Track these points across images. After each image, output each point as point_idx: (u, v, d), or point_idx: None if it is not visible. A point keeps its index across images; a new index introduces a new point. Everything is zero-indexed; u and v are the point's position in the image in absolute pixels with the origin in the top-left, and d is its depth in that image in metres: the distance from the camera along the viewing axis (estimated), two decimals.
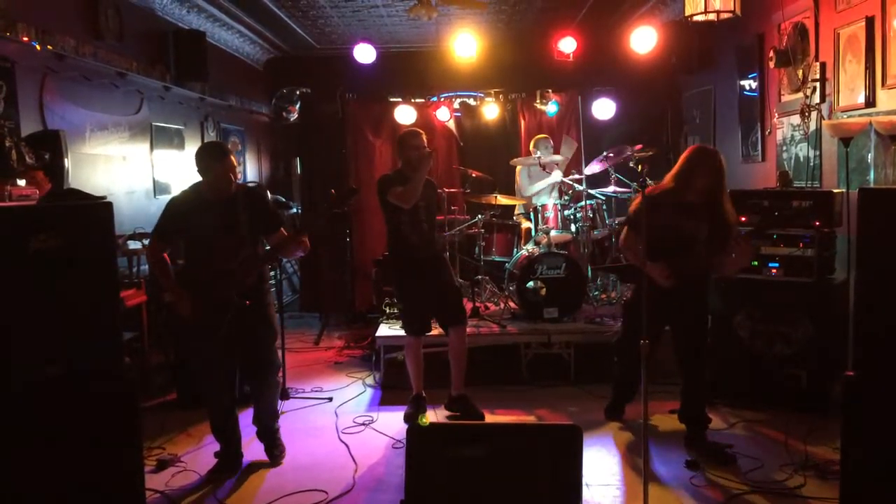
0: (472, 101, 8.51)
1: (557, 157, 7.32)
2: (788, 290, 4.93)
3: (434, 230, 5.15)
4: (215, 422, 4.30)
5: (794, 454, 4.27)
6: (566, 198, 6.94)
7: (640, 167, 3.74)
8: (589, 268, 6.77)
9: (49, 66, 5.17)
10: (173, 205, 4.17)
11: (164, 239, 4.17)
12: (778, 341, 4.95)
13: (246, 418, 4.47)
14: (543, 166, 6.97)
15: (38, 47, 4.95)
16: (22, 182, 4.28)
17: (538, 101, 8.25)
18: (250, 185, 8.63)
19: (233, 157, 4.11)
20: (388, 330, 6.06)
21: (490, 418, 5.03)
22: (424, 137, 5.06)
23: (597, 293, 6.78)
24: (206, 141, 7.96)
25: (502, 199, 6.78)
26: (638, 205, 4.36)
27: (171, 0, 7.10)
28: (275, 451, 4.40)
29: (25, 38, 4.84)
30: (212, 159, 4.05)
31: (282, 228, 4.25)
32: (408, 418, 5.06)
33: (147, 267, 5.89)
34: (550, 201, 6.87)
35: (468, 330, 5.28)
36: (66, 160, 4.94)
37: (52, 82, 5.22)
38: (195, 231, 4.07)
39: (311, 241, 4.27)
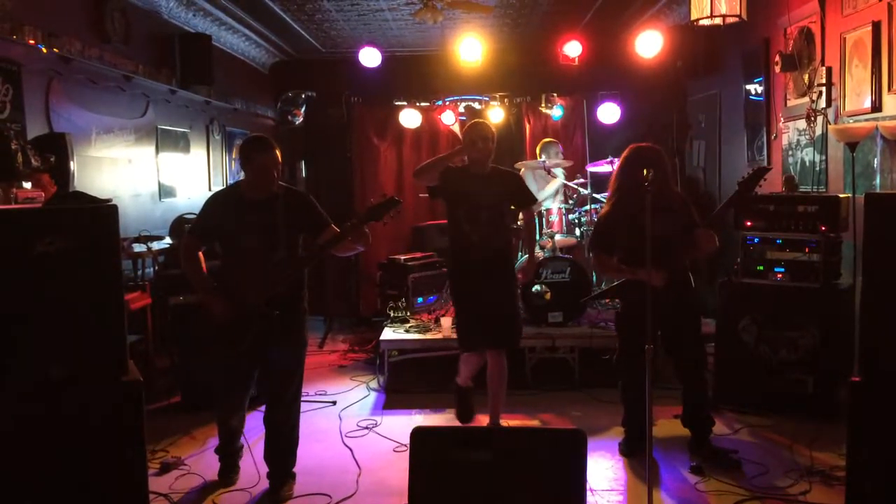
0: (477, 105, 8.52)
1: (566, 161, 7.29)
2: (794, 296, 4.91)
3: (501, 234, 4.63)
4: (224, 424, 4.20)
5: (800, 460, 4.26)
6: (571, 202, 6.93)
7: (645, 172, 3.72)
8: (593, 273, 6.76)
9: (55, 68, 5.19)
10: (211, 200, 4.02)
11: (198, 236, 4.02)
12: (783, 346, 4.93)
13: (252, 420, 4.44)
14: (549, 170, 6.96)
15: (44, 50, 4.97)
16: (27, 185, 4.29)
17: (543, 104, 8.26)
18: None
19: (277, 152, 3.88)
20: (393, 334, 6.06)
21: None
22: (488, 129, 4.58)
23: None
24: (211, 144, 8.00)
25: None
26: (595, 229, 4.42)
27: (177, 3, 7.12)
28: (281, 491, 4.00)
29: (32, 41, 4.85)
30: (253, 151, 3.85)
31: (332, 225, 3.99)
32: (459, 414, 4.98)
33: (152, 270, 5.91)
34: (555, 205, 6.87)
35: None
36: (71, 163, 4.94)
37: (58, 85, 5.23)
38: (230, 230, 3.90)
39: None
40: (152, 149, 6.76)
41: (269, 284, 3.82)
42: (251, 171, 3.89)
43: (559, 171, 7.15)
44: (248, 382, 4.16)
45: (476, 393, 4.93)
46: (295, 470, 4.13)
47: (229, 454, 4.24)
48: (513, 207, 4.92)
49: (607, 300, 6.76)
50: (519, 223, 5.81)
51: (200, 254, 4.01)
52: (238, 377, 4.10)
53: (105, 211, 3.29)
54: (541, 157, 7.12)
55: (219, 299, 3.88)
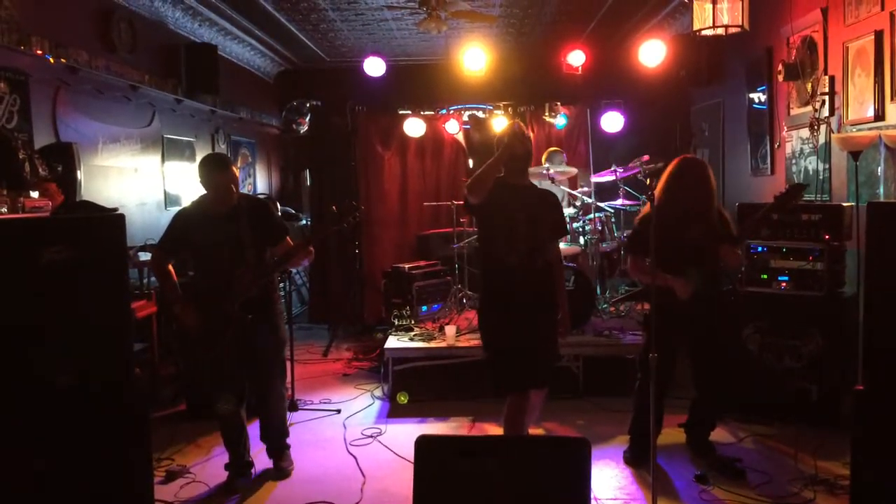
0: (480, 114, 8.53)
1: (571, 170, 7.28)
2: (798, 304, 4.91)
3: (542, 255, 3.97)
4: (227, 434, 4.29)
5: (804, 468, 4.25)
6: (575, 210, 6.94)
7: (648, 180, 3.75)
8: (597, 281, 6.76)
9: (62, 78, 5.23)
10: (178, 217, 4.23)
11: (166, 250, 4.20)
12: (788, 355, 4.93)
13: (255, 429, 4.47)
14: (553, 179, 6.97)
15: (51, 60, 5.01)
16: (35, 194, 4.31)
17: (547, 113, 8.27)
18: (260, 195, 8.67)
19: (234, 169, 4.15)
20: (397, 342, 6.06)
21: (499, 431, 5.01)
22: (525, 131, 4.06)
23: (605, 306, 6.77)
24: (210, 153, 8.03)
25: None
26: (633, 230, 4.40)
27: (183, 14, 7.17)
28: (282, 463, 4.42)
29: (39, 52, 4.90)
30: (213, 171, 4.08)
31: (287, 238, 4.27)
32: None
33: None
34: None
35: (475, 342, 5.23)
36: (78, 172, 4.98)
37: (65, 95, 5.27)
38: (199, 243, 4.10)
39: (317, 251, 4.31)
40: (158, 158, 6.80)
41: (240, 290, 4.05)
42: (212, 189, 4.10)
43: (557, 179, 7.15)
44: (238, 379, 4.25)
45: (490, 403, 4.90)
46: (299, 478, 4.22)
47: (240, 467, 4.29)
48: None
49: (612, 308, 6.77)
50: None
51: (170, 267, 4.20)
52: (226, 376, 4.19)
53: (112, 220, 3.32)
54: (545, 167, 7.12)
55: (190, 309, 4.07)
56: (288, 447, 4.50)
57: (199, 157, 7.56)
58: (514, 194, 3.98)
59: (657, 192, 4.12)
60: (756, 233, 4.92)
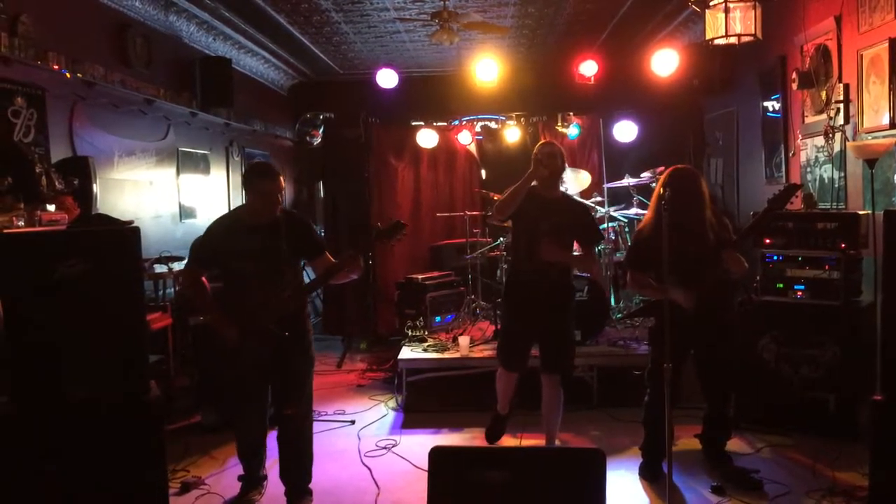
0: (493, 125, 8.54)
1: (584, 174, 7.26)
2: (814, 313, 4.88)
3: (554, 267, 4.44)
4: (244, 448, 4.22)
5: (822, 480, 4.21)
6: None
7: (662, 191, 3.74)
8: (611, 290, 6.74)
9: (78, 93, 5.28)
10: (213, 229, 4.06)
11: (202, 264, 4.08)
12: (804, 364, 4.89)
13: (270, 440, 4.46)
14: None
15: (68, 75, 5.06)
16: (51, 207, 4.36)
17: (559, 123, 8.26)
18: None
19: (281, 180, 3.99)
20: (411, 353, 6.06)
21: (513, 442, 5.01)
22: (555, 146, 4.56)
23: (619, 316, 6.74)
24: (230, 165, 8.09)
25: None
26: (630, 247, 4.39)
27: (197, 28, 7.23)
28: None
29: (56, 67, 4.95)
30: (262, 178, 3.93)
31: (326, 253, 4.11)
32: (488, 433, 4.98)
33: (172, 290, 5.97)
34: None
35: (488, 353, 5.24)
36: (94, 185, 5.03)
37: (81, 109, 5.33)
38: (234, 256, 3.92)
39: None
40: (173, 171, 6.85)
41: (278, 306, 3.88)
42: (257, 196, 3.94)
43: (571, 190, 7.15)
44: (264, 398, 4.16)
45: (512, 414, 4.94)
46: (313, 489, 4.15)
47: (254, 481, 4.24)
48: (576, 243, 4.75)
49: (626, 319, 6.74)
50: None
51: (204, 279, 4.06)
52: (252, 393, 4.12)
53: (127, 233, 3.35)
54: None
55: (229, 322, 3.91)
56: (310, 493, 4.14)
57: (213, 170, 7.64)
58: (542, 205, 4.44)
59: (650, 206, 4.31)
60: (753, 239, 4.83)
